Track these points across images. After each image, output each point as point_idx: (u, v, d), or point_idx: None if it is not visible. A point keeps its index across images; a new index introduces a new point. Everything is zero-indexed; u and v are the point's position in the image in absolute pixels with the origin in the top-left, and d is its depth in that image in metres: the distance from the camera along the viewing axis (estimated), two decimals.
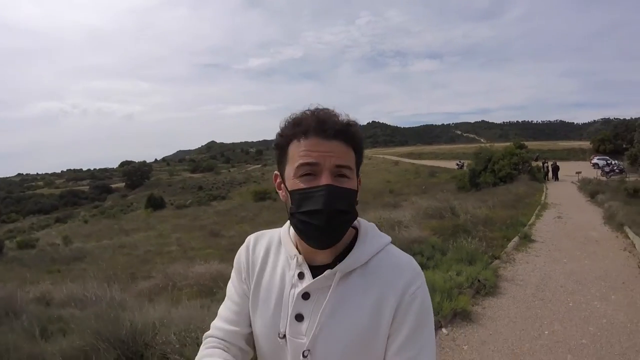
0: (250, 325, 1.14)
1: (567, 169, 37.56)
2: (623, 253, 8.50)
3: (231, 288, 1.18)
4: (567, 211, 15.30)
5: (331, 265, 1.04)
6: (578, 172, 32.96)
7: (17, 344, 3.99)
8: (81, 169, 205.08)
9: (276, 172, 1.09)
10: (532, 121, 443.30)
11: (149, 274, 10.78)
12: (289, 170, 1.01)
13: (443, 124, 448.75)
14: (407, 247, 7.77)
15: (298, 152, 0.99)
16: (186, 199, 64.46)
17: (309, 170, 0.97)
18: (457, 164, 57.02)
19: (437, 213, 12.11)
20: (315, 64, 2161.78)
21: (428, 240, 8.60)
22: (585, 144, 71.85)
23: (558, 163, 37.77)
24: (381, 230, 1.14)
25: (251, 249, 1.17)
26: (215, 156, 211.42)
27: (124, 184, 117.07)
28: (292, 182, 1.00)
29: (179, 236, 24.16)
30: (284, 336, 1.04)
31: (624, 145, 51.72)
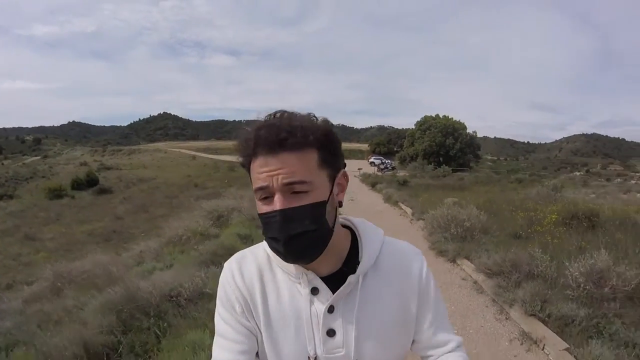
0: None
1: (349, 166, 43.85)
2: (400, 217, 13.14)
3: (225, 326, 1.02)
4: (356, 196, 19.43)
5: (341, 271, 1.02)
6: (359, 169, 39.77)
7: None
8: None
9: None
10: None
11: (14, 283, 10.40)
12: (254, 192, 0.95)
13: (235, 120, 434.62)
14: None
15: (252, 174, 0.92)
16: None
17: (264, 194, 0.90)
18: None
19: None
20: (108, 41, 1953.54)
21: None
22: (364, 146, 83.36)
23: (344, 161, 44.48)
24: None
25: (238, 277, 1.03)
26: None
27: None
28: (257, 204, 0.94)
29: None
30: (315, 358, 1.00)
31: (395, 149, 63.46)
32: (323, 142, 0.93)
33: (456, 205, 9.73)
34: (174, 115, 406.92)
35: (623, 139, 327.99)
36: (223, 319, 1.03)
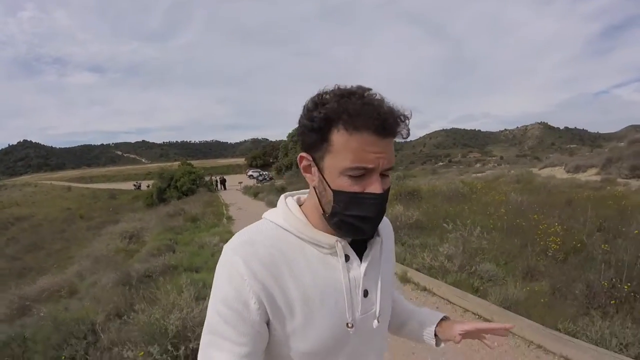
0: None
1: (230, 180, 46.72)
2: None
3: (226, 327, 0.92)
4: (243, 205, 22.19)
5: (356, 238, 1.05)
6: (240, 182, 43.13)
7: None
8: None
9: (303, 154, 0.95)
10: (190, 141, 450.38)
11: None
12: (331, 162, 0.89)
13: (102, 144, 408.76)
14: (180, 228, 13.89)
15: (347, 147, 0.86)
16: None
17: (360, 172, 0.87)
18: (135, 185, 61.23)
19: (176, 213, 18.12)
20: None
21: (185, 225, 14.66)
22: (241, 160, 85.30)
23: (225, 176, 47.15)
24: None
25: (256, 265, 0.92)
26: None
27: None
28: (337, 180, 0.89)
29: None
30: (353, 325, 0.99)
31: (271, 160, 67.31)
32: None
33: None
34: (35, 143, 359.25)
35: (479, 130, 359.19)
36: (224, 319, 0.92)
